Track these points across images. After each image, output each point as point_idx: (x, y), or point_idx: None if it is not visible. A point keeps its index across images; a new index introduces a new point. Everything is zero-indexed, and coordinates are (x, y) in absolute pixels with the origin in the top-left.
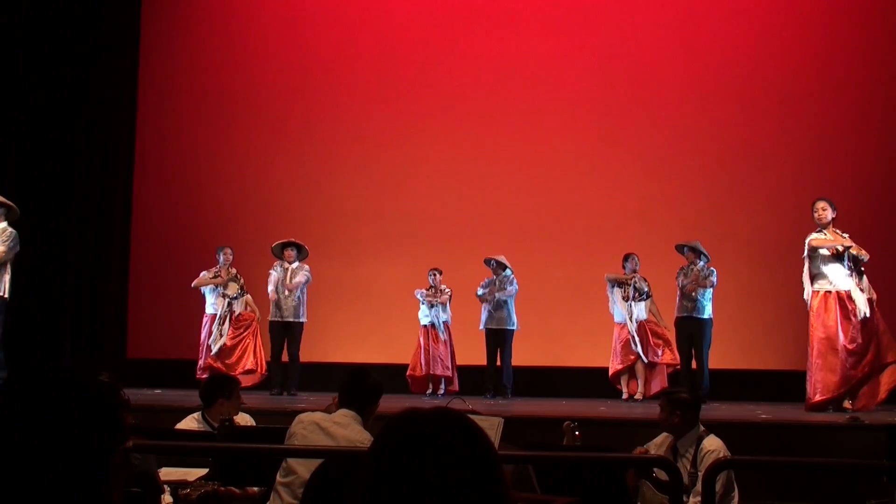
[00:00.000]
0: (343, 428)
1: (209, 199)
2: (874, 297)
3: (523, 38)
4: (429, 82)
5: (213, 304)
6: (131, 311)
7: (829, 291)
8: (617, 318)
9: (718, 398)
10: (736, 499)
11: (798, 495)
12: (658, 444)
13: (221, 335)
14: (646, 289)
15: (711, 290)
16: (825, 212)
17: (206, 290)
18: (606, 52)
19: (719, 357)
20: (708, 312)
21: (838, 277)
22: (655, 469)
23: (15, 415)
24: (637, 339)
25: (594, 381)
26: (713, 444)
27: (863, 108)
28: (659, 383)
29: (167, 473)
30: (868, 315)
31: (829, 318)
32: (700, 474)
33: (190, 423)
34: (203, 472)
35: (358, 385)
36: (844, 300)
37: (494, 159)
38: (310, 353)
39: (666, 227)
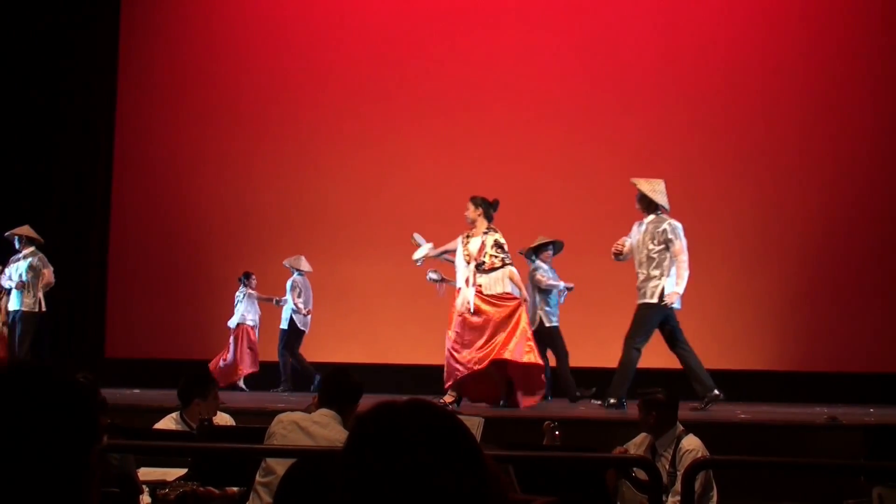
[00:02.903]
0: (323, 428)
1: (189, 198)
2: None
3: (506, 36)
4: (411, 82)
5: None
6: (109, 311)
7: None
8: None
9: (698, 398)
10: (715, 498)
11: (776, 495)
12: (637, 444)
13: None
14: None
15: (550, 295)
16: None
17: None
18: (591, 50)
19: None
20: (537, 321)
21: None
22: (635, 469)
23: None
24: None
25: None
26: (692, 444)
27: (851, 110)
28: None
29: (146, 473)
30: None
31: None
32: (679, 474)
33: (168, 423)
34: (182, 472)
35: (338, 385)
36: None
37: (478, 159)
38: None
39: None
